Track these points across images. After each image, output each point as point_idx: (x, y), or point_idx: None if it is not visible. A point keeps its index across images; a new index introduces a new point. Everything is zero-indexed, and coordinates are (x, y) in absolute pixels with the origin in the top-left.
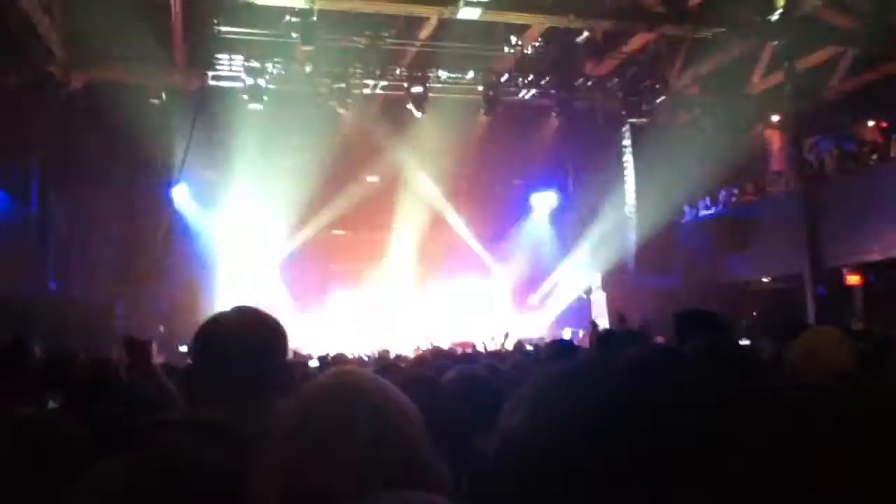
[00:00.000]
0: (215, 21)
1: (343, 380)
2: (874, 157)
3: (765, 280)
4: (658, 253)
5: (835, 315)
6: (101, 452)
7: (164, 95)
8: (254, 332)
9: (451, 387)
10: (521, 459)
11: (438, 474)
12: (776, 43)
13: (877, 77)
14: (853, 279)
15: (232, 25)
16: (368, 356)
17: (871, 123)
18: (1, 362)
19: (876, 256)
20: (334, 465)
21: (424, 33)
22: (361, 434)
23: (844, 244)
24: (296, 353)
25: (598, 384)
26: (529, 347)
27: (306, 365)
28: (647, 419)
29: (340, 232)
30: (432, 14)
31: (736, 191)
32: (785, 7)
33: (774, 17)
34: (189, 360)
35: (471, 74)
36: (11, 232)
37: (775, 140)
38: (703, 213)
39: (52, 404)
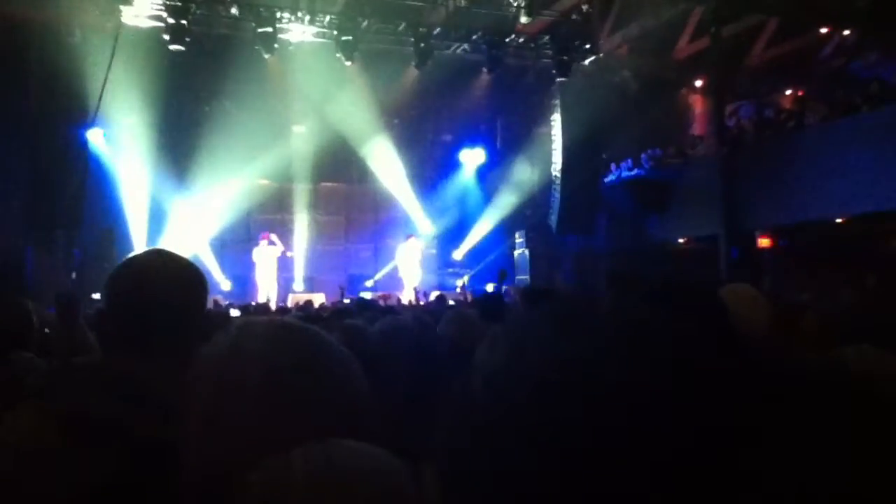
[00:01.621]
0: None
1: (273, 326)
2: (790, 124)
3: (681, 241)
4: (581, 213)
5: (745, 276)
6: (10, 402)
7: (78, 34)
8: (170, 277)
9: (381, 337)
10: (505, 398)
11: (376, 424)
12: (703, 9)
13: (796, 47)
14: (764, 242)
15: None
16: (291, 306)
17: (788, 92)
18: None
19: (788, 220)
20: (264, 414)
21: None
22: (293, 381)
23: (760, 208)
24: (216, 303)
25: (590, 324)
26: (451, 302)
27: (228, 315)
28: (646, 361)
29: (265, 181)
30: None
31: (658, 153)
32: None
33: None
34: (102, 305)
35: (402, 26)
36: None
37: (698, 105)
38: (625, 174)
39: None
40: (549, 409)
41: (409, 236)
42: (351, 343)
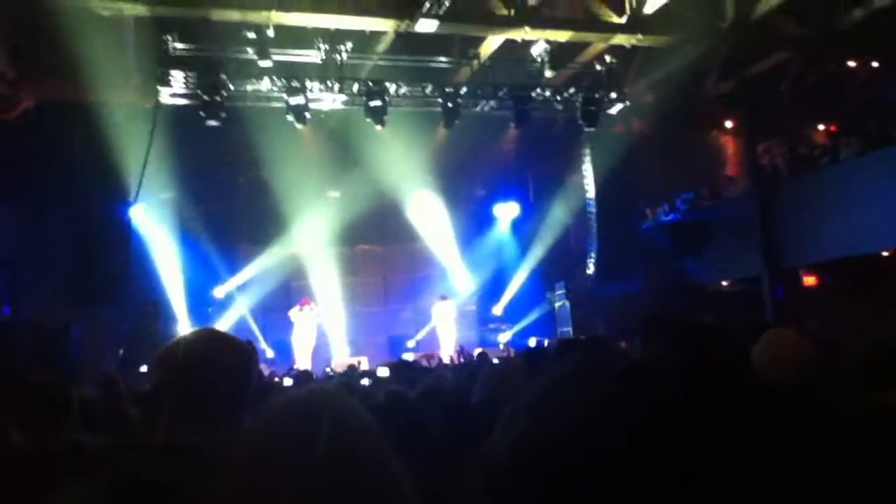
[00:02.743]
0: (168, 38)
1: (301, 400)
2: (825, 160)
3: (724, 284)
4: (619, 260)
5: (792, 316)
6: (62, 478)
7: (119, 113)
8: (217, 354)
9: (420, 401)
10: (525, 465)
11: (401, 492)
12: (726, 49)
13: (824, 81)
14: (809, 280)
15: (186, 42)
16: (334, 371)
17: (821, 127)
18: None
19: (830, 256)
20: (289, 487)
21: (382, 47)
22: (315, 454)
23: (800, 246)
24: (261, 374)
25: (609, 384)
26: (495, 360)
27: (274, 385)
28: (659, 419)
29: (302, 248)
30: (389, 28)
31: (693, 196)
32: (735, 15)
33: (725, 25)
34: (150, 384)
35: (429, 88)
36: None
37: (730, 145)
38: (662, 218)
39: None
40: (548, 479)
41: (442, 297)
42: (392, 409)
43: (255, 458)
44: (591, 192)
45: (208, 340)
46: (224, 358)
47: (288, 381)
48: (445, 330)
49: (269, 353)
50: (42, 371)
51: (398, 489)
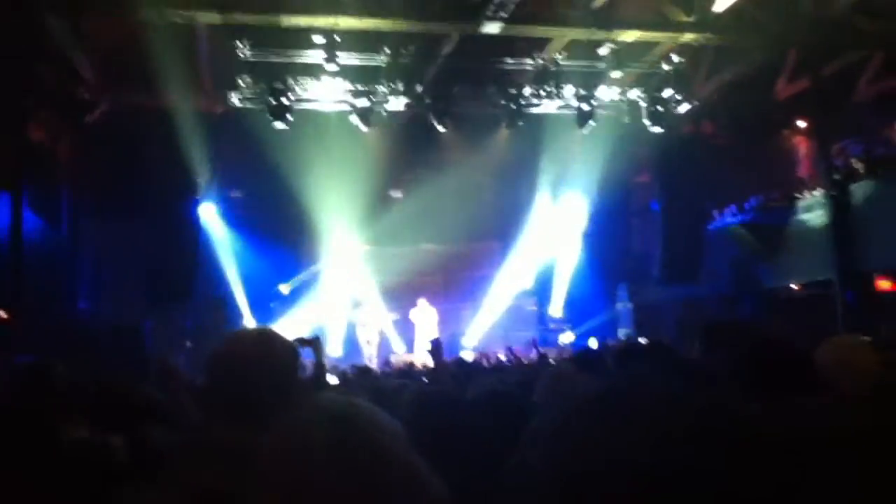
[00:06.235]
0: (239, 44)
1: (319, 409)
2: None
3: (794, 287)
4: (685, 261)
5: (864, 321)
6: (134, 474)
7: (190, 117)
8: (266, 355)
9: (475, 404)
10: (542, 494)
11: (432, 493)
12: (799, 50)
13: None
14: (884, 284)
15: (256, 47)
16: (392, 367)
17: None
18: (24, 386)
19: None
20: (312, 489)
21: (446, 49)
22: (336, 460)
23: (875, 249)
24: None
25: (626, 416)
26: (553, 361)
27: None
28: (682, 459)
29: (366, 247)
30: (454, 31)
31: (763, 197)
32: (810, 13)
33: (799, 23)
34: (204, 382)
35: (492, 89)
36: (44, 256)
37: (802, 146)
38: (729, 220)
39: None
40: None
41: (421, 301)
42: (443, 413)
43: (283, 462)
44: (656, 192)
45: (258, 342)
46: (273, 359)
47: (334, 380)
48: (423, 333)
49: (335, 352)
50: (117, 369)
51: (425, 492)
